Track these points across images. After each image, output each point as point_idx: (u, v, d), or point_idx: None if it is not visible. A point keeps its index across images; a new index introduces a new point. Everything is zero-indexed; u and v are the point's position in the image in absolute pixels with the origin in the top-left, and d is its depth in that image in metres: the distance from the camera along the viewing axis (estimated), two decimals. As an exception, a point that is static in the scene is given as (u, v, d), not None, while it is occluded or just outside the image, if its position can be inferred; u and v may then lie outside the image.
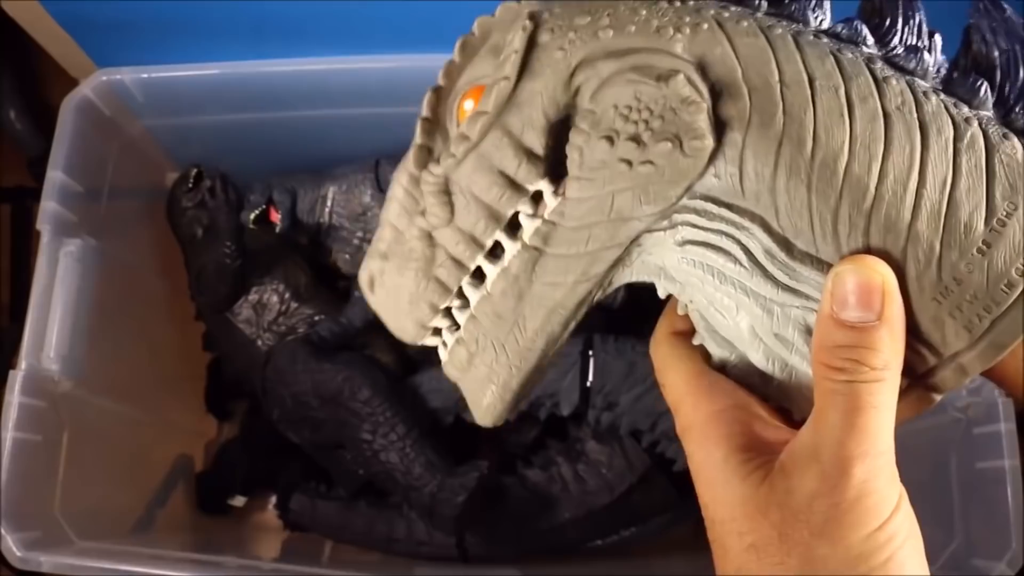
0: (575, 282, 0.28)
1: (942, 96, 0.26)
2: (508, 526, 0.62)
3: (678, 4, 0.27)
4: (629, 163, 0.26)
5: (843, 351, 0.25)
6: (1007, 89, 0.26)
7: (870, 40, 0.26)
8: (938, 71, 0.26)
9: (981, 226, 0.25)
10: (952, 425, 0.56)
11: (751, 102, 0.25)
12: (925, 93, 0.26)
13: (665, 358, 0.30)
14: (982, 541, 0.54)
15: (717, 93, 0.25)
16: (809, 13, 0.27)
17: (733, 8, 0.27)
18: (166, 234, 0.69)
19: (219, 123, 0.66)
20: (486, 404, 0.29)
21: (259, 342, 0.65)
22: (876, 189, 0.25)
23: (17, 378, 0.54)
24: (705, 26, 0.26)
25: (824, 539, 0.24)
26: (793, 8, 0.26)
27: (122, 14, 0.59)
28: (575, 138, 0.26)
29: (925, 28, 0.27)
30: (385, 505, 0.65)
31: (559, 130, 0.27)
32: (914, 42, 0.26)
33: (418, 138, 0.29)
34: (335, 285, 0.71)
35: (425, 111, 0.29)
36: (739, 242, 0.26)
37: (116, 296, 0.63)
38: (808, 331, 0.26)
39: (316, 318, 0.66)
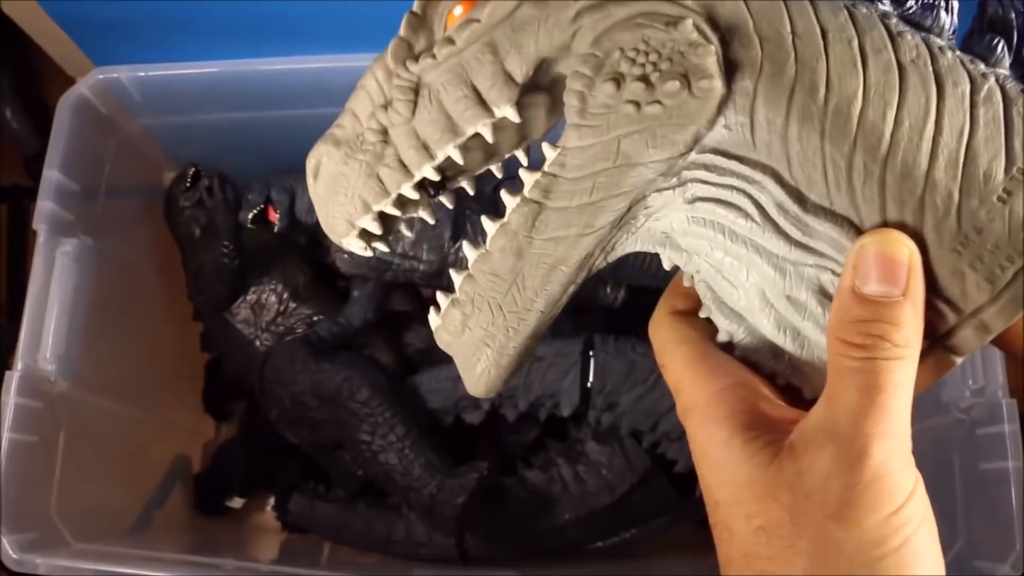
0: (578, 235, 0.27)
1: (958, 53, 0.25)
2: (508, 527, 0.62)
3: None
4: (637, 104, 0.25)
5: (864, 326, 0.24)
6: (1020, 51, 0.25)
7: None
8: (954, 32, 0.26)
9: (1001, 174, 0.24)
10: (955, 426, 0.56)
11: (762, 50, 0.25)
12: (940, 48, 0.25)
13: (665, 340, 0.29)
14: (985, 542, 0.53)
15: (727, 41, 0.25)
16: None
17: None
18: (164, 233, 0.69)
19: (217, 122, 0.65)
20: (480, 370, 0.28)
21: (257, 342, 0.65)
22: (892, 136, 0.24)
23: (13, 378, 0.54)
24: None
25: (839, 521, 0.24)
26: None
27: (119, 13, 0.59)
28: (574, 83, 0.26)
29: None
30: (384, 506, 0.65)
31: (541, 68, 0.26)
32: (930, 0, 0.26)
33: (401, 31, 0.28)
34: (334, 285, 0.71)
35: (416, 7, 0.28)
36: (750, 196, 0.26)
37: (113, 296, 0.63)
38: (822, 292, 0.26)
39: (315, 318, 0.66)
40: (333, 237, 0.30)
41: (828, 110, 0.25)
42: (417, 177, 0.28)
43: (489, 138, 0.27)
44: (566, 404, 0.60)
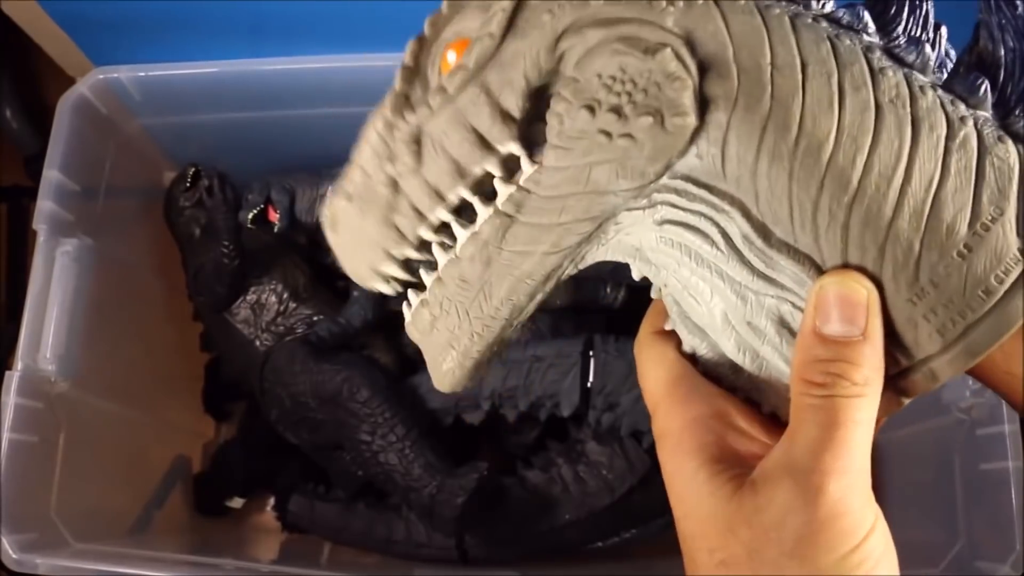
0: (544, 253, 0.27)
1: (939, 92, 0.25)
2: (508, 527, 0.62)
3: None
4: (609, 135, 0.25)
5: (824, 365, 0.24)
6: (1009, 90, 0.25)
7: (872, 28, 0.26)
8: (940, 66, 0.26)
9: (964, 229, 0.24)
10: (956, 426, 0.56)
11: (739, 83, 0.25)
12: (922, 88, 0.25)
13: (645, 360, 0.29)
14: (986, 542, 0.53)
15: (705, 70, 0.25)
16: None
17: None
18: (163, 233, 0.69)
19: (217, 122, 0.65)
20: (445, 369, 0.29)
21: (257, 342, 0.65)
22: (859, 182, 0.24)
23: (13, 379, 0.54)
24: (700, 1, 0.25)
25: (795, 559, 0.24)
26: None
27: (119, 13, 0.59)
28: (556, 105, 0.26)
29: (931, 19, 0.26)
30: (384, 506, 0.65)
31: (537, 96, 0.27)
32: (917, 33, 0.26)
33: (397, 84, 0.28)
34: (334, 285, 0.71)
35: (407, 59, 0.29)
36: (718, 225, 0.26)
37: (113, 296, 0.63)
38: (781, 322, 0.26)
39: (315, 318, 0.66)
40: (359, 282, 0.30)
41: (798, 151, 0.24)
42: (433, 221, 0.28)
43: (499, 174, 0.27)
44: (566, 404, 0.60)
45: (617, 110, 0.25)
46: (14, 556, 0.51)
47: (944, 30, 0.26)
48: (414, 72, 0.29)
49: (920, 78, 0.25)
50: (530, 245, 0.27)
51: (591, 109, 0.25)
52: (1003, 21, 0.25)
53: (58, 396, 0.56)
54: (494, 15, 0.26)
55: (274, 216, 0.68)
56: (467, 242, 0.28)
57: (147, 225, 0.69)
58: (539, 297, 0.28)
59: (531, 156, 0.27)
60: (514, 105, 0.26)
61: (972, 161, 0.24)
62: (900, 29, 0.26)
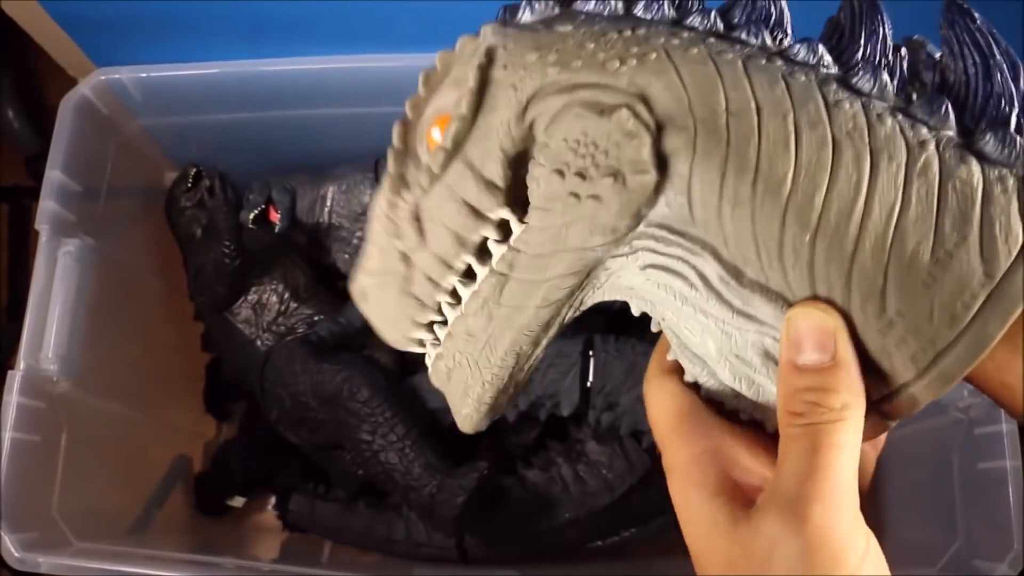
0: (537, 307, 0.29)
1: (899, 117, 0.25)
2: (508, 527, 0.62)
3: (628, 34, 0.27)
4: (577, 196, 0.26)
5: (802, 394, 0.25)
6: (973, 108, 0.25)
7: (827, 60, 0.26)
8: (902, 87, 0.26)
9: (927, 257, 0.24)
10: (954, 426, 0.56)
11: (696, 132, 0.25)
12: (880, 115, 0.25)
13: (652, 395, 0.30)
14: (984, 542, 0.53)
15: (663, 125, 0.25)
16: (766, 34, 0.26)
17: (685, 34, 0.27)
18: (164, 234, 0.69)
19: (218, 122, 0.65)
20: (464, 414, 0.31)
21: (258, 342, 0.65)
22: (819, 219, 0.25)
23: (15, 378, 0.54)
24: (653, 56, 0.26)
25: None
26: (747, 31, 0.26)
27: (120, 13, 0.59)
28: (533, 170, 0.27)
29: (889, 43, 0.26)
30: (384, 506, 0.65)
31: (520, 161, 0.28)
32: (876, 59, 0.26)
33: (390, 167, 0.30)
34: (334, 285, 0.71)
35: (395, 142, 0.30)
36: (695, 268, 0.26)
37: (114, 296, 0.63)
38: (766, 354, 0.26)
39: (315, 318, 0.66)
40: (395, 347, 0.32)
41: (758, 193, 0.25)
42: (446, 287, 0.30)
43: (495, 237, 0.29)
44: (566, 404, 0.60)
45: (582, 173, 0.26)
46: (16, 555, 0.51)
47: (905, 52, 0.26)
48: (404, 153, 0.30)
49: (879, 105, 0.25)
50: (524, 300, 0.29)
51: (560, 173, 0.26)
52: (963, 36, 0.25)
53: (60, 396, 0.56)
54: (463, 96, 0.28)
55: (275, 216, 0.68)
56: (470, 299, 0.29)
57: (148, 225, 0.69)
58: (544, 342, 0.30)
59: (523, 217, 0.28)
60: (497, 175, 0.27)
61: (934, 187, 0.24)
62: (858, 57, 0.26)
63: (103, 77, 0.60)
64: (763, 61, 0.26)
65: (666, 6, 0.27)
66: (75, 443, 0.57)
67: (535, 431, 0.66)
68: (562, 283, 0.28)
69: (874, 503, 0.66)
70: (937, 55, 0.26)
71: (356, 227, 0.68)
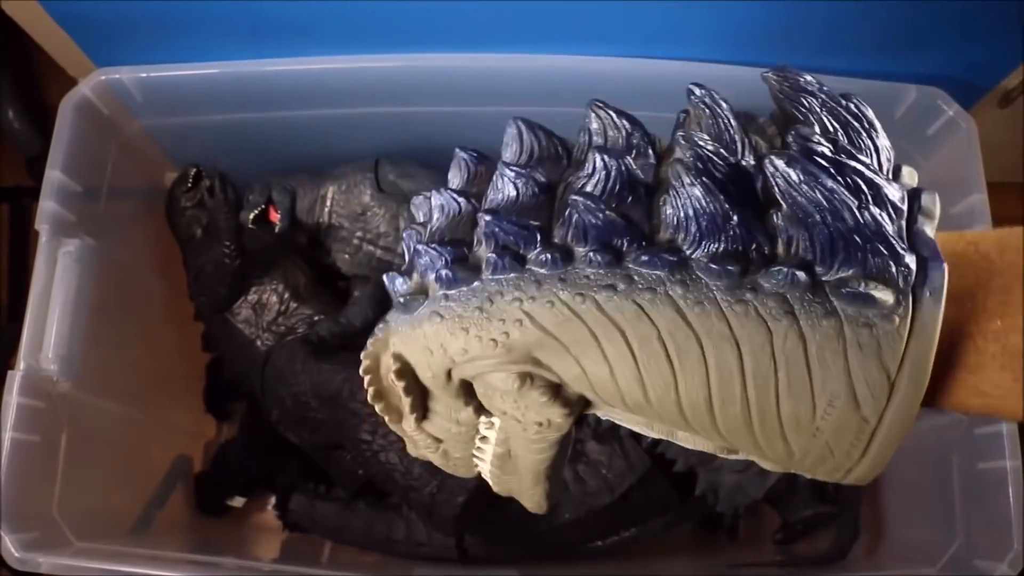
0: (536, 461, 0.33)
1: (749, 297, 0.26)
2: (508, 527, 0.62)
3: (489, 306, 0.29)
4: (519, 422, 0.31)
5: None
6: (825, 254, 0.26)
7: (668, 261, 0.27)
8: (745, 264, 0.27)
9: (808, 416, 0.27)
10: (954, 426, 0.56)
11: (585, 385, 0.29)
12: (734, 303, 0.26)
13: None
14: (984, 541, 0.54)
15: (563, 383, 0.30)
16: (600, 259, 0.28)
17: (537, 293, 0.29)
18: (165, 234, 0.69)
19: (218, 123, 0.65)
20: (529, 508, 0.37)
21: (258, 342, 0.65)
22: (710, 408, 0.28)
23: (16, 378, 0.54)
24: (535, 331, 0.29)
25: None
26: (587, 260, 0.28)
27: (121, 14, 0.59)
28: (478, 389, 0.32)
29: (720, 214, 0.27)
30: (384, 506, 0.65)
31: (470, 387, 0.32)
32: (719, 248, 0.27)
33: (379, 409, 0.34)
34: (335, 285, 0.71)
35: (371, 396, 0.33)
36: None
37: (115, 296, 0.63)
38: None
39: (315, 318, 0.66)
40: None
41: (652, 404, 0.28)
42: (474, 450, 0.35)
43: (492, 437, 0.33)
44: (566, 404, 0.60)
45: (516, 419, 0.31)
46: (16, 555, 0.51)
47: (736, 219, 0.26)
48: (381, 393, 0.33)
49: (728, 294, 0.26)
50: (525, 457, 0.33)
51: (503, 412, 0.31)
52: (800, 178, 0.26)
53: (60, 396, 0.56)
54: (403, 407, 0.33)
55: (275, 216, 0.68)
56: (492, 457, 0.34)
57: (149, 225, 0.69)
58: (561, 463, 0.34)
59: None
60: (458, 407, 0.32)
61: (799, 357, 0.26)
62: (702, 251, 0.27)
63: (103, 77, 0.60)
64: (613, 296, 0.27)
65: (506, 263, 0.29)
66: (75, 443, 0.57)
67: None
68: (544, 453, 0.32)
69: (874, 503, 0.66)
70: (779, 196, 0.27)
71: (356, 227, 0.68)
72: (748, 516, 0.72)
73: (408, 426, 0.34)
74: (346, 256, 0.69)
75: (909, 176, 0.28)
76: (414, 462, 0.60)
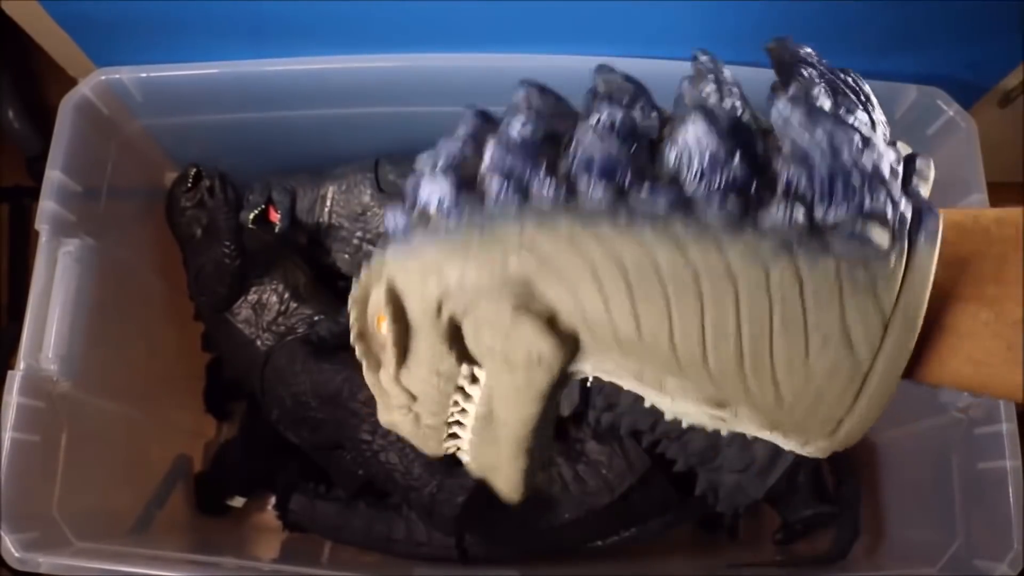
0: (519, 421, 0.33)
1: (748, 235, 0.26)
2: (508, 526, 0.62)
3: (490, 233, 0.29)
4: (507, 363, 0.30)
5: None
6: (823, 195, 0.26)
7: (669, 199, 0.27)
8: (744, 205, 0.27)
9: (800, 358, 0.26)
10: (954, 426, 0.56)
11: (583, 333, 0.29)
12: (729, 242, 0.26)
13: None
14: (984, 541, 0.54)
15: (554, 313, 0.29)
16: (600, 188, 0.28)
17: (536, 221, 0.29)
18: (165, 234, 0.69)
19: (218, 123, 0.66)
20: (503, 493, 0.36)
21: (258, 342, 0.65)
22: (703, 350, 0.28)
23: (15, 378, 0.54)
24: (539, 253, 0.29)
25: None
26: (587, 191, 0.28)
27: (121, 13, 0.59)
28: (466, 330, 0.31)
29: (720, 157, 0.27)
30: (384, 506, 0.65)
31: (456, 331, 0.31)
32: (718, 184, 0.27)
33: (359, 351, 0.33)
34: (335, 285, 0.71)
35: (354, 335, 0.33)
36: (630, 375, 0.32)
37: (115, 296, 0.63)
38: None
39: (315, 318, 0.66)
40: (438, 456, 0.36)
41: (645, 344, 0.28)
42: (450, 418, 0.33)
43: (472, 391, 0.32)
44: (566, 404, 0.60)
45: (505, 360, 0.30)
46: (16, 555, 0.51)
47: (738, 156, 0.27)
48: (365, 336, 0.33)
49: (726, 233, 0.26)
50: (505, 424, 0.33)
51: (490, 355, 0.31)
52: (804, 115, 0.26)
53: (60, 396, 0.56)
54: (388, 349, 0.32)
55: (275, 216, 0.68)
56: (472, 423, 0.33)
57: (149, 225, 0.69)
58: (547, 430, 0.34)
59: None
60: (443, 353, 0.31)
61: (794, 299, 0.26)
62: (697, 189, 0.27)
63: (103, 77, 0.60)
64: (614, 227, 0.27)
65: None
66: (75, 443, 0.57)
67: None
68: (531, 406, 0.33)
69: (874, 503, 0.66)
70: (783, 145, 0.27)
71: (356, 227, 0.68)
72: (748, 516, 0.72)
73: (385, 376, 0.33)
74: (346, 256, 0.69)
75: (903, 148, 0.29)
76: (414, 462, 0.60)
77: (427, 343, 0.31)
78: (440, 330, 0.30)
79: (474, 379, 0.32)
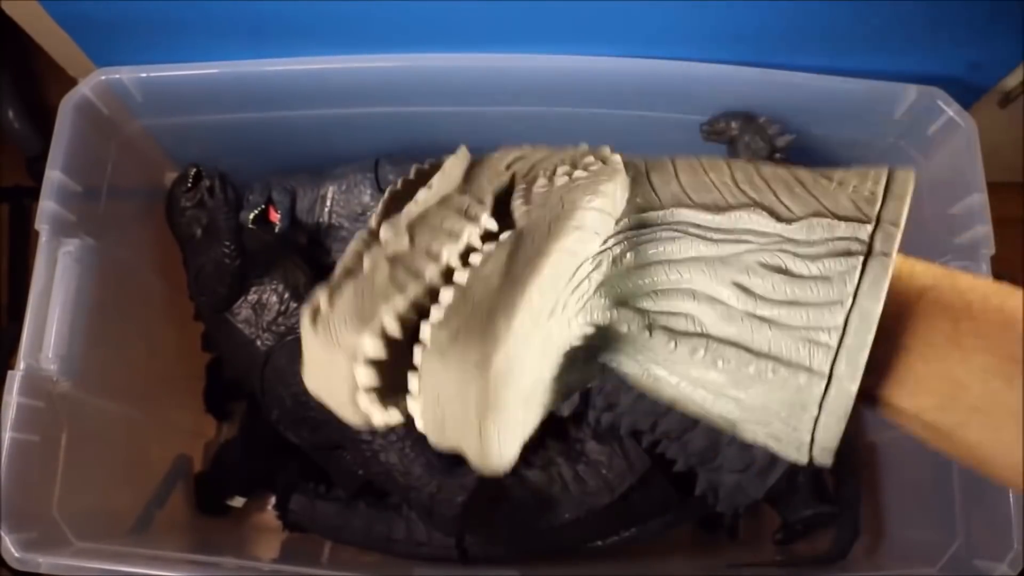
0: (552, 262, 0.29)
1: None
2: (508, 527, 0.62)
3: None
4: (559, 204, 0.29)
5: None
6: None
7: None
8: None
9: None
10: (953, 425, 0.56)
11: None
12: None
13: None
14: (984, 541, 0.53)
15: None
16: None
17: None
18: (165, 234, 0.69)
19: (218, 123, 0.65)
20: (474, 454, 0.29)
21: (258, 342, 0.65)
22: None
23: (15, 378, 0.54)
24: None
25: None
26: None
27: (121, 13, 0.59)
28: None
29: None
30: (384, 506, 0.65)
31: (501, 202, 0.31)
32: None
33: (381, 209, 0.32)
34: (334, 285, 0.71)
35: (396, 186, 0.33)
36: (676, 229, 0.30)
37: (115, 296, 0.63)
38: (764, 266, 0.29)
39: (315, 318, 0.66)
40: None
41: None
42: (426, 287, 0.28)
43: (478, 244, 0.29)
44: (566, 404, 0.60)
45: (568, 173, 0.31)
46: (16, 555, 0.51)
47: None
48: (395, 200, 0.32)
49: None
50: (537, 254, 0.28)
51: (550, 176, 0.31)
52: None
53: (60, 396, 0.56)
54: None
55: (275, 216, 0.68)
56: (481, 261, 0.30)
57: (149, 225, 0.69)
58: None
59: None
60: (479, 205, 0.31)
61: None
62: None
63: (103, 77, 0.60)
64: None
65: None
66: (75, 443, 0.57)
67: (535, 431, 0.66)
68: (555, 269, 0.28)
69: (874, 503, 0.66)
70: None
71: (356, 227, 0.68)
72: (748, 516, 0.72)
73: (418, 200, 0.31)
74: (346, 256, 0.69)
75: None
76: (414, 462, 0.60)
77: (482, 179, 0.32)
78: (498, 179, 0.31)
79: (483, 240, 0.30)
